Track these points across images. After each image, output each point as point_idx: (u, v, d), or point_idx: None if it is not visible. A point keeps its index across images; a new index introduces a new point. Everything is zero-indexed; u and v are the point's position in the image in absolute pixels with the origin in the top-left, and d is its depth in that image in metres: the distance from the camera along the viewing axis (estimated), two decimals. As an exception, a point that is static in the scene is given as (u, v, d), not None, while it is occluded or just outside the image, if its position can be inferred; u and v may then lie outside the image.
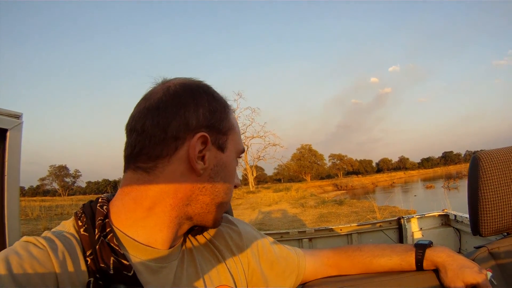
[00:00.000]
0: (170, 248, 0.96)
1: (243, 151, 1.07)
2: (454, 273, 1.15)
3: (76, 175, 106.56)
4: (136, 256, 0.88)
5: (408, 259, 1.24)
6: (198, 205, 0.94)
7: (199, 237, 1.12)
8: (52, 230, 0.88)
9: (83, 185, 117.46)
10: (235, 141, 1.02)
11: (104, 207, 0.91)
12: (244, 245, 1.20)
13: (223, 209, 1.02)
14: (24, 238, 0.82)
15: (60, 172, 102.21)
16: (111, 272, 0.79)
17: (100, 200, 0.93)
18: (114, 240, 0.84)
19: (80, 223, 0.87)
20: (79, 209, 0.92)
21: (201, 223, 0.99)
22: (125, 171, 0.93)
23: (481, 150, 1.47)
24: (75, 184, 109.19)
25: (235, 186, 1.05)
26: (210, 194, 0.94)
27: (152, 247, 0.90)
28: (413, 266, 1.23)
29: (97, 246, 0.82)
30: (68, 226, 0.89)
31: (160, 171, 0.89)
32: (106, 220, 0.87)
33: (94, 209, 0.90)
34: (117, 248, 0.83)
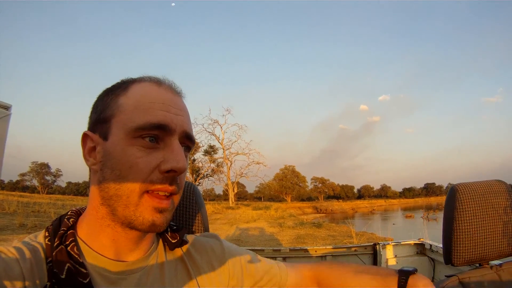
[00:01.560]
0: (135, 258, 0.96)
1: (142, 125, 0.88)
2: None
3: (57, 174, 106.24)
4: (95, 266, 0.89)
5: (390, 283, 1.18)
6: (105, 204, 0.90)
7: (177, 250, 1.11)
8: (23, 240, 0.91)
9: (63, 184, 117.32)
10: (122, 122, 0.89)
11: (71, 219, 0.95)
12: (226, 260, 1.18)
13: (126, 202, 0.87)
14: None
15: (42, 169, 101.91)
16: (63, 276, 0.82)
17: (69, 213, 0.98)
18: (75, 249, 0.87)
19: (46, 234, 0.91)
20: (51, 223, 0.96)
21: (124, 223, 0.89)
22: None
23: (460, 182, 1.48)
24: (55, 183, 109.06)
25: (170, 171, 0.87)
26: (104, 188, 0.89)
27: (111, 258, 0.92)
28: None
29: (53, 253, 0.85)
30: (39, 237, 0.92)
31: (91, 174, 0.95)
32: (70, 231, 0.91)
33: (62, 222, 0.95)
34: (77, 257, 0.86)
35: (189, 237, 1.19)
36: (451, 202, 1.45)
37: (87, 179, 0.97)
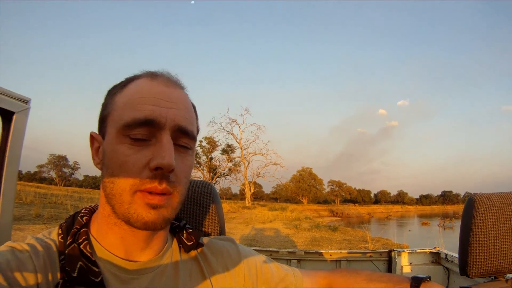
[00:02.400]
0: (147, 258, 0.97)
1: (131, 121, 0.86)
2: None
3: (75, 167, 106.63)
4: (107, 265, 0.90)
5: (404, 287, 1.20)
6: (108, 202, 0.90)
7: (193, 253, 1.11)
8: (36, 236, 0.92)
9: (81, 177, 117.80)
10: (114, 120, 0.90)
11: (84, 217, 0.97)
12: (242, 265, 1.18)
13: (120, 200, 0.86)
14: (8, 243, 0.86)
15: (59, 161, 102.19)
16: (75, 275, 0.83)
17: (83, 211, 1.00)
18: (88, 248, 0.88)
19: (60, 231, 0.93)
20: (65, 220, 0.99)
21: (124, 220, 0.88)
22: None
23: (478, 193, 1.48)
24: (73, 176, 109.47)
25: (158, 168, 0.83)
26: (104, 187, 0.89)
27: (124, 258, 0.93)
28: None
29: (66, 251, 0.87)
30: (53, 233, 0.94)
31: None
32: (84, 229, 0.93)
33: (75, 219, 0.96)
34: (89, 255, 0.87)
35: (205, 239, 1.19)
36: (469, 212, 1.45)
37: (104, 174, 0.98)
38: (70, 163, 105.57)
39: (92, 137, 0.97)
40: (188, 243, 1.07)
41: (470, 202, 1.45)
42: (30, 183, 54.31)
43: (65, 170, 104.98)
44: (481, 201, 1.42)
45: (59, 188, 57.59)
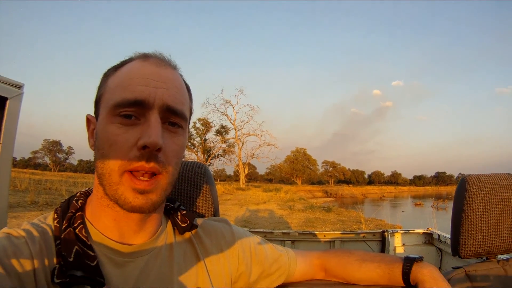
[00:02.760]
0: (141, 241, 0.98)
1: (120, 101, 0.87)
2: None
3: (69, 152, 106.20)
4: (102, 248, 0.91)
5: (395, 270, 1.22)
6: (100, 183, 0.90)
7: (187, 234, 1.12)
8: (32, 221, 0.93)
9: (75, 162, 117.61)
10: (106, 100, 0.90)
11: (80, 201, 0.98)
12: (236, 246, 1.20)
13: (109, 181, 0.86)
14: (4, 229, 0.86)
15: (53, 147, 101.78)
16: (71, 259, 0.84)
17: (78, 195, 1.01)
18: (83, 232, 0.89)
19: (55, 216, 0.94)
20: (59, 204, 0.99)
21: (116, 203, 0.88)
22: None
23: (471, 174, 1.49)
24: (67, 161, 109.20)
25: (144, 147, 0.83)
26: (96, 168, 0.90)
27: (118, 241, 0.94)
28: (399, 278, 1.21)
29: (62, 236, 0.87)
30: (49, 218, 0.95)
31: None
32: (79, 213, 0.94)
33: (70, 203, 0.97)
34: (85, 239, 0.88)
35: (199, 221, 1.20)
36: (461, 193, 1.46)
37: (98, 157, 0.98)
38: (64, 148, 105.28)
39: (88, 119, 0.98)
40: (182, 225, 1.09)
41: (463, 183, 1.46)
42: (25, 170, 54.17)
43: (59, 155, 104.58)
44: (473, 182, 1.43)
45: (53, 173, 57.58)
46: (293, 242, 3.87)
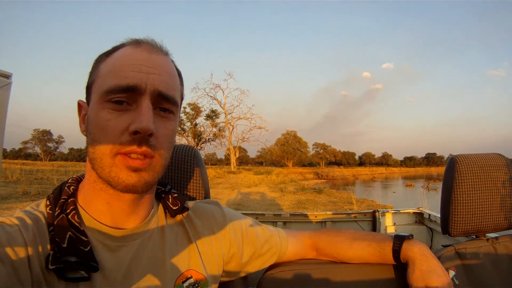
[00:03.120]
0: (133, 225, 0.99)
1: (111, 88, 0.87)
2: (420, 274, 1.13)
3: (59, 141, 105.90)
4: (95, 233, 0.93)
5: (385, 248, 1.24)
6: (93, 167, 0.91)
7: (179, 217, 1.13)
8: (25, 209, 0.94)
9: (66, 151, 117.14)
10: (98, 86, 0.91)
11: (71, 187, 0.98)
12: (227, 227, 1.21)
13: (100, 164, 0.87)
14: None
15: (43, 136, 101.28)
16: (64, 245, 0.85)
17: (69, 181, 1.02)
18: (76, 218, 0.91)
19: (48, 203, 0.95)
20: (52, 191, 1.00)
21: (109, 185, 0.90)
22: None
23: (460, 154, 1.49)
24: (58, 150, 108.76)
25: (136, 132, 0.84)
26: (88, 153, 0.91)
27: (111, 226, 0.95)
28: (390, 256, 1.23)
29: (55, 222, 0.88)
30: (41, 205, 0.96)
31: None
32: (71, 199, 0.94)
33: (63, 190, 0.98)
34: (78, 225, 0.89)
35: (190, 203, 1.22)
36: (450, 172, 1.47)
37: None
38: (55, 137, 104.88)
39: (79, 105, 0.98)
40: (174, 208, 1.09)
41: (452, 163, 1.47)
42: (15, 161, 54.44)
43: (50, 144, 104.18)
44: (462, 161, 1.43)
45: (44, 163, 57.70)
46: (284, 223, 3.88)
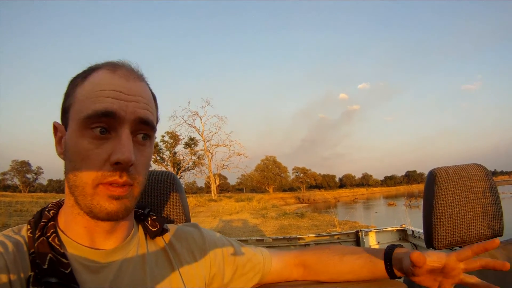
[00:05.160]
0: (113, 246, 0.98)
1: (91, 114, 0.86)
2: (418, 252, 1.05)
3: (38, 172, 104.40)
4: (76, 256, 0.91)
5: (377, 259, 1.20)
6: (71, 193, 0.91)
7: (158, 239, 1.12)
8: (4, 232, 0.93)
9: (45, 182, 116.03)
10: (76, 112, 0.89)
11: (51, 211, 0.97)
12: (207, 249, 1.19)
13: (82, 193, 0.87)
14: None
15: (22, 167, 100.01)
16: (45, 267, 0.84)
17: (49, 206, 1.01)
18: (56, 240, 0.89)
19: (28, 227, 0.94)
20: (32, 216, 0.98)
21: (88, 214, 0.90)
22: None
23: (438, 167, 1.49)
24: (37, 181, 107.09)
25: (117, 162, 0.85)
26: (68, 179, 0.90)
27: (91, 247, 0.94)
28: (381, 267, 1.19)
29: (35, 245, 0.87)
30: (23, 230, 0.95)
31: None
32: (51, 223, 0.93)
33: (43, 214, 0.96)
34: (58, 248, 0.88)
35: (169, 226, 1.20)
36: (430, 186, 1.47)
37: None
38: (33, 168, 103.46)
39: (55, 127, 0.98)
40: (153, 229, 1.09)
41: (431, 176, 1.47)
42: (-7, 193, 53.46)
43: (29, 175, 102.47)
44: (441, 174, 1.43)
45: (23, 195, 57.04)
46: (268, 248, 3.84)
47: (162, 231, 1.11)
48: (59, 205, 1.01)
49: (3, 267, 0.80)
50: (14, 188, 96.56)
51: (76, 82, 0.94)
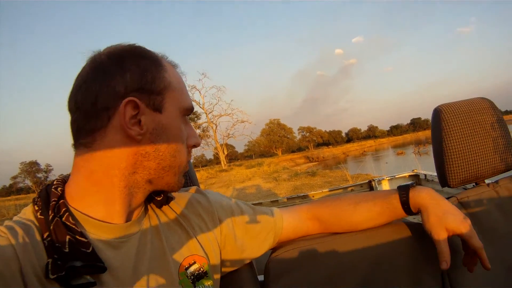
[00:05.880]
0: (128, 221, 0.96)
1: (189, 108, 1.00)
2: (437, 218, 1.11)
3: (48, 170, 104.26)
4: (94, 233, 0.89)
5: (393, 201, 1.20)
6: (145, 171, 0.93)
7: (165, 208, 1.12)
8: (13, 218, 0.89)
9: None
10: (175, 99, 0.96)
11: (59, 188, 0.91)
12: (215, 211, 1.18)
13: (176, 172, 0.98)
14: None
15: (31, 168, 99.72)
16: (66, 250, 0.80)
17: (55, 183, 0.94)
18: (70, 219, 0.84)
19: (36, 208, 0.88)
20: (37, 194, 0.93)
21: (157, 187, 1.00)
22: (74, 150, 0.93)
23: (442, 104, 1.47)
24: (48, 179, 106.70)
25: (194, 146, 1.04)
26: (154, 159, 0.93)
27: (108, 222, 0.91)
28: (399, 210, 1.19)
29: (51, 227, 0.82)
30: (27, 212, 0.89)
31: (98, 144, 0.88)
32: (61, 201, 0.88)
33: (50, 192, 0.90)
34: (74, 227, 0.84)
35: (173, 194, 1.18)
36: (437, 124, 1.45)
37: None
38: (42, 166, 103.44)
39: (134, 103, 0.88)
40: (158, 199, 1.07)
41: (436, 113, 1.44)
42: (9, 197, 53.82)
43: (39, 175, 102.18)
44: (447, 110, 1.41)
45: (37, 195, 57.24)
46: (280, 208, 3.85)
47: (168, 199, 1.10)
48: (64, 181, 0.95)
49: (13, 257, 0.76)
50: (27, 190, 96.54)
51: (157, 65, 0.94)
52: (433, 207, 1.13)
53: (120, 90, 0.87)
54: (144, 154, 0.91)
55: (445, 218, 1.10)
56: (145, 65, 0.91)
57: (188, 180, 1.44)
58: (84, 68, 0.92)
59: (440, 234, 1.10)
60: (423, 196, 1.16)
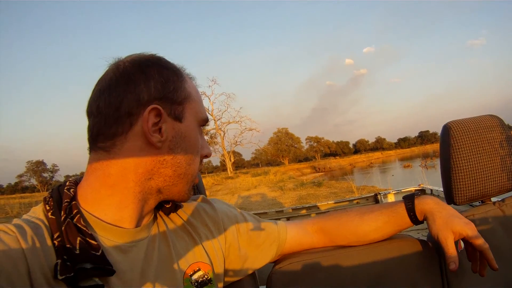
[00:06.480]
0: (138, 226, 0.97)
1: (205, 119, 1.04)
2: (442, 221, 1.13)
3: (54, 170, 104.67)
4: (104, 236, 0.89)
5: (398, 210, 1.22)
6: (161, 178, 0.95)
7: (173, 215, 1.13)
8: (23, 216, 0.89)
9: (61, 179, 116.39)
10: (194, 110, 1.00)
11: (71, 189, 0.92)
12: (220, 220, 1.19)
13: (189, 180, 1.01)
14: None
15: (38, 167, 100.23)
16: (77, 252, 0.80)
17: (67, 184, 0.94)
18: (81, 221, 0.85)
19: (48, 207, 0.88)
20: (48, 194, 0.93)
21: (168, 196, 1.01)
22: (89, 153, 0.94)
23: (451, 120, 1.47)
24: (53, 179, 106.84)
25: (206, 156, 1.06)
26: (171, 166, 0.95)
27: (119, 226, 0.92)
28: (405, 218, 1.21)
29: (63, 228, 0.82)
30: (38, 211, 0.89)
31: (118, 149, 0.90)
32: (73, 202, 0.88)
33: (62, 193, 0.91)
34: (85, 229, 0.84)
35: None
36: (445, 140, 1.44)
37: (83, 170, 0.95)
38: (49, 166, 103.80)
39: (157, 110, 0.91)
40: (167, 206, 1.09)
41: (445, 130, 1.44)
42: (13, 195, 53.86)
43: (45, 174, 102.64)
44: (456, 127, 1.41)
45: (42, 194, 57.20)
46: (288, 219, 3.86)
47: (176, 207, 1.11)
48: (76, 183, 0.96)
49: (21, 257, 0.75)
50: (32, 189, 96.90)
51: (178, 75, 0.99)
52: (438, 212, 1.15)
53: (144, 98, 0.90)
54: (162, 161, 0.93)
55: (451, 221, 1.12)
56: (167, 75, 0.95)
57: (196, 189, 1.45)
58: (107, 73, 0.94)
59: (447, 237, 1.11)
60: (428, 202, 1.18)
